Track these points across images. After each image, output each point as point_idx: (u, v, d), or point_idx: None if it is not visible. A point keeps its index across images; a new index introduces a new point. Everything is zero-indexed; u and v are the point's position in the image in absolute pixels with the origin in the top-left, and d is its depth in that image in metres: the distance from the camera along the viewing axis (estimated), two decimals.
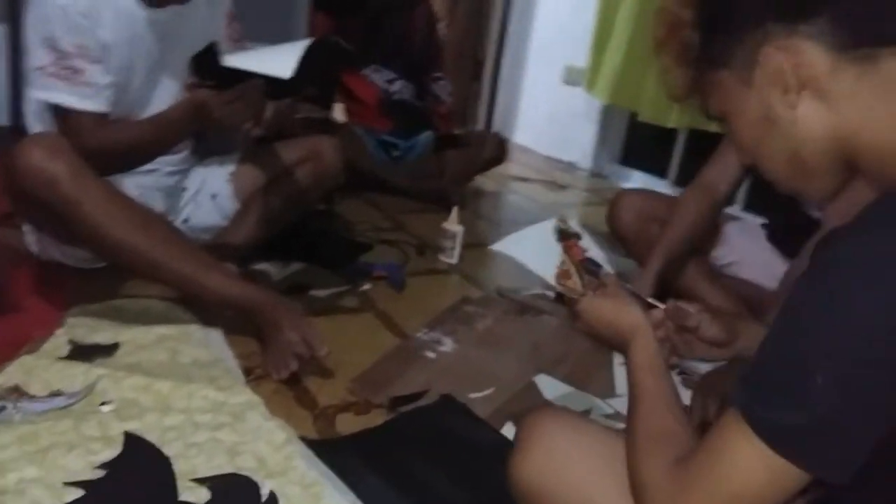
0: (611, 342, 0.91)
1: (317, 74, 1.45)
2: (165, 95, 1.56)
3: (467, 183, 2.53)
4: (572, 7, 3.25)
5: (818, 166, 0.65)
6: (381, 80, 2.53)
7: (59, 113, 1.40)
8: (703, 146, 2.55)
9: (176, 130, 1.44)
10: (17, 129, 2.59)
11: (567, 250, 1.00)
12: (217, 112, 1.36)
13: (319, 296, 1.62)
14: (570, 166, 3.32)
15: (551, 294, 1.78)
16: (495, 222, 2.40)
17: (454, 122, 2.49)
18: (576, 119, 3.31)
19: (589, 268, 0.99)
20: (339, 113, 2.11)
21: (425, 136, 2.60)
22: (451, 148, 2.43)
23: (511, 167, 3.14)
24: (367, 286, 1.70)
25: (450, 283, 1.82)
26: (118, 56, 1.43)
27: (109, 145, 1.41)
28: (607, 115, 3.18)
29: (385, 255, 1.93)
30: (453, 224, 1.91)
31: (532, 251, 1.06)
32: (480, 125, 3.84)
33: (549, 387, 1.34)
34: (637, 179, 3.12)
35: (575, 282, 0.97)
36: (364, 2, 2.38)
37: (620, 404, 1.28)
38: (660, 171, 3.01)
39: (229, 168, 1.72)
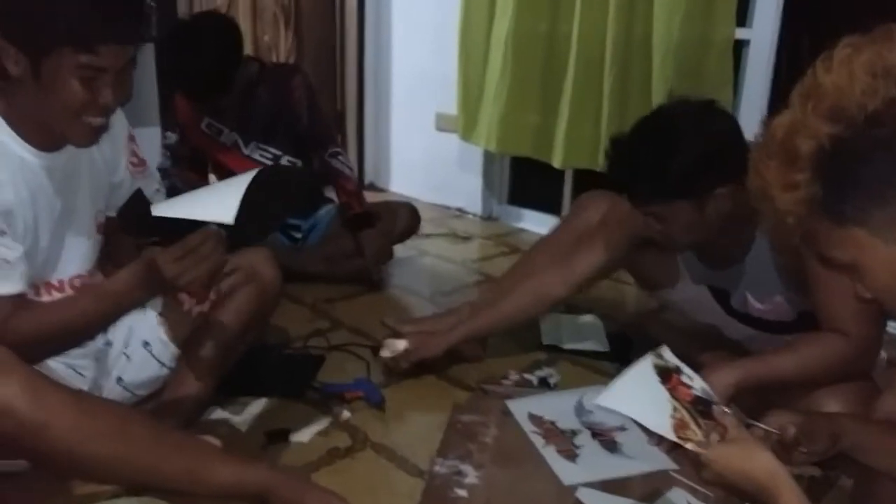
0: (745, 492, 0.86)
1: (267, 213, 1.25)
2: (75, 251, 1.31)
3: (389, 259, 2.40)
4: (431, 54, 3.21)
5: None
6: (265, 158, 2.33)
7: None
8: (590, 179, 2.63)
9: (124, 302, 1.19)
10: None
11: (674, 392, 0.95)
12: (168, 271, 1.14)
13: (304, 441, 1.44)
14: (460, 212, 3.29)
15: (532, 378, 1.73)
16: (426, 296, 2.30)
17: (363, 198, 2.34)
18: (455, 164, 3.27)
19: (700, 408, 0.94)
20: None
21: (326, 211, 2.44)
22: (367, 227, 2.28)
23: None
24: (346, 414, 1.53)
25: (426, 385, 1.69)
26: (22, 218, 1.17)
27: (38, 332, 1.15)
28: (488, 157, 3.17)
29: (342, 365, 1.76)
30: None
31: (639, 402, 0.98)
32: None
33: (595, 499, 1.28)
34: (529, 218, 3.15)
35: (693, 430, 0.91)
36: (224, 83, 2.15)
37: None
38: (550, 207, 3.06)
39: (155, 308, 1.48)
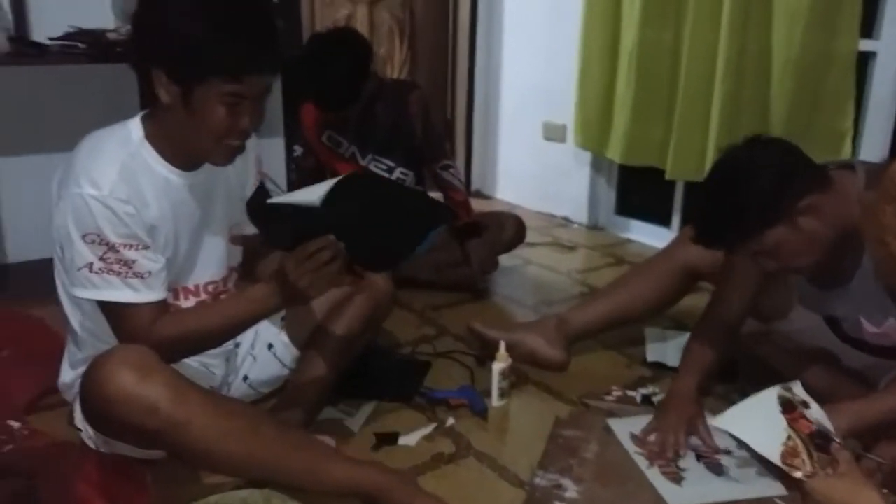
0: None
1: (366, 219, 1.31)
2: (210, 259, 1.44)
3: (494, 269, 2.45)
4: (540, 64, 3.24)
5: None
6: (379, 169, 2.44)
7: (112, 308, 1.25)
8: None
9: (259, 310, 1.29)
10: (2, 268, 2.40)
11: (793, 423, 0.95)
12: (291, 274, 1.24)
13: (411, 444, 1.51)
14: (566, 221, 3.29)
15: (635, 395, 1.73)
16: (531, 305, 2.33)
17: (471, 209, 2.41)
18: (561, 173, 3.28)
19: (818, 442, 0.93)
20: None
21: None
22: (475, 236, 2.35)
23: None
24: (451, 420, 1.60)
25: (527, 397, 1.73)
26: (165, 230, 1.30)
27: (179, 335, 1.27)
28: (595, 166, 3.17)
29: (448, 371, 1.84)
30: (500, 360, 1.70)
31: (755, 427, 0.99)
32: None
33: None
34: (637, 228, 3.12)
35: (803, 460, 0.91)
36: (356, 94, 2.27)
37: None
38: (659, 218, 3.01)
39: (279, 314, 1.59)
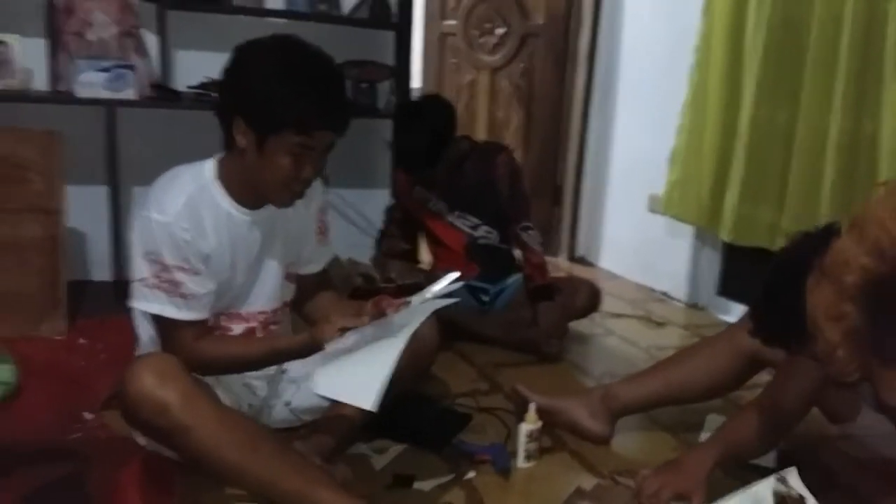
0: None
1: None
2: (268, 283, 1.59)
3: (564, 334, 2.44)
4: (650, 137, 3.22)
5: None
6: (465, 225, 2.53)
7: (160, 321, 1.42)
8: None
9: (284, 358, 1.47)
10: (118, 283, 2.71)
11: None
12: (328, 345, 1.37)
13: (425, 490, 1.55)
14: (665, 296, 3.20)
15: None
16: (596, 376, 2.30)
17: (547, 272, 2.43)
18: (665, 247, 3.21)
19: None
20: None
21: (514, 280, 2.56)
22: (546, 299, 2.36)
23: (603, 299, 3.05)
24: (471, 473, 1.62)
25: (558, 466, 1.71)
26: (220, 260, 1.46)
27: (213, 356, 1.43)
28: (698, 242, 3.07)
29: (486, 426, 1.85)
30: (529, 422, 1.69)
31: None
32: (563, 250, 3.79)
33: None
34: (739, 312, 2.96)
35: None
36: (432, 160, 2.40)
37: None
38: None
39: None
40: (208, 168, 1.48)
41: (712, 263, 3.09)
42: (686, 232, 3.07)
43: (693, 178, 2.86)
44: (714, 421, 1.91)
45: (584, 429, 1.81)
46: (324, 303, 1.68)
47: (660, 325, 2.87)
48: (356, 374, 1.28)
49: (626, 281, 3.45)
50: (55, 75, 2.49)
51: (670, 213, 2.99)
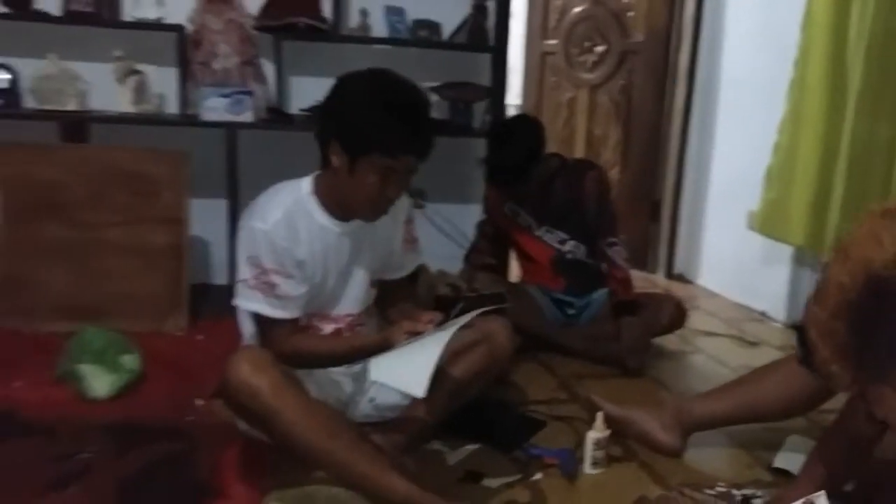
0: None
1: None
2: (356, 289, 1.74)
3: (646, 349, 2.46)
4: (750, 153, 3.16)
5: None
6: (553, 240, 2.59)
7: (258, 318, 1.60)
8: None
9: (360, 356, 1.61)
10: (234, 287, 2.98)
11: None
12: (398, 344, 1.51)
13: (492, 486, 1.64)
14: (763, 316, 3.13)
15: (736, 494, 1.66)
16: (677, 392, 2.30)
17: (631, 288, 2.47)
18: (764, 266, 3.14)
19: None
20: None
21: (600, 295, 2.60)
22: (629, 314, 2.40)
23: (698, 316, 3.03)
24: (538, 475, 1.69)
25: (625, 475, 1.76)
26: (313, 265, 1.62)
27: (299, 350, 1.59)
28: (798, 262, 2.99)
29: (558, 433, 1.92)
30: (597, 430, 1.75)
31: None
32: (661, 267, 3.77)
33: None
34: None
35: None
36: (519, 176, 2.48)
37: None
38: None
39: None
40: (305, 184, 1.66)
41: (812, 283, 2.99)
42: (786, 250, 3.00)
43: (790, 196, 2.79)
44: (794, 442, 1.88)
45: (656, 441, 1.84)
46: (402, 309, 1.83)
47: (753, 344, 2.81)
48: (408, 365, 1.42)
49: (724, 299, 3.39)
50: (184, 100, 2.80)
51: (765, 232, 2.93)
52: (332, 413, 1.48)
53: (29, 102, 2.68)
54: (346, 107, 1.54)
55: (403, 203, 1.77)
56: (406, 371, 1.40)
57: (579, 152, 3.90)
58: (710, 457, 1.85)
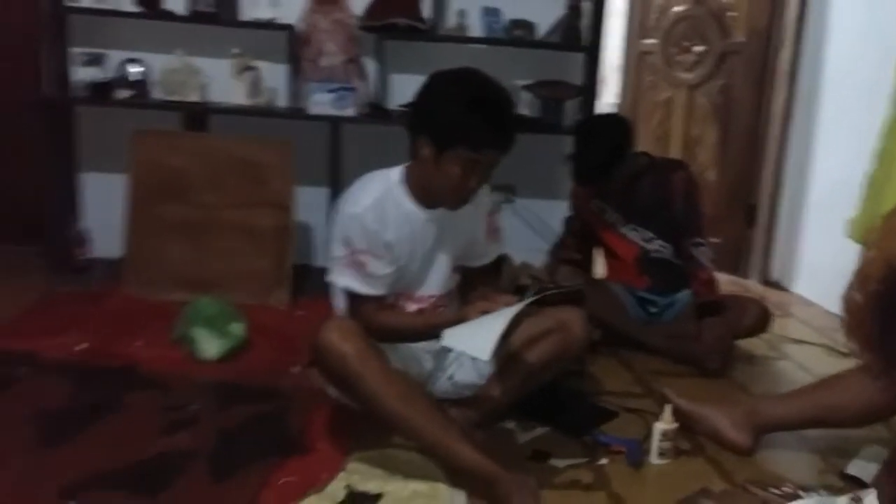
0: None
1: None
2: (439, 272, 1.86)
3: (728, 351, 2.45)
4: (852, 159, 3.05)
5: None
6: (638, 238, 2.62)
7: (348, 294, 1.75)
8: None
9: (435, 332, 1.68)
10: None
11: None
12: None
13: (558, 466, 1.73)
14: None
15: (804, 496, 1.67)
16: (755, 395, 2.29)
17: (715, 288, 2.47)
18: None
19: None
20: None
21: (684, 295, 2.60)
22: (712, 315, 2.40)
23: (789, 323, 2.98)
24: (604, 461, 1.76)
25: (692, 468, 1.79)
26: (400, 248, 1.75)
27: (384, 325, 1.72)
28: None
29: (629, 424, 1.97)
30: (665, 422, 1.79)
31: None
32: (756, 273, 3.69)
33: None
34: None
35: None
36: (604, 174, 2.50)
37: None
38: None
39: None
40: (395, 173, 1.80)
41: None
42: None
43: (887, 205, 2.69)
44: (870, 451, 1.85)
45: (726, 438, 1.86)
46: (481, 293, 1.93)
47: (844, 355, 2.73)
48: (477, 332, 1.52)
49: (819, 308, 3.30)
50: (293, 95, 3.02)
51: (861, 240, 2.83)
52: (410, 382, 1.61)
53: (157, 93, 2.97)
54: (434, 103, 1.67)
55: (487, 195, 1.88)
56: (473, 337, 1.51)
57: (675, 152, 3.87)
58: (782, 458, 1.86)
